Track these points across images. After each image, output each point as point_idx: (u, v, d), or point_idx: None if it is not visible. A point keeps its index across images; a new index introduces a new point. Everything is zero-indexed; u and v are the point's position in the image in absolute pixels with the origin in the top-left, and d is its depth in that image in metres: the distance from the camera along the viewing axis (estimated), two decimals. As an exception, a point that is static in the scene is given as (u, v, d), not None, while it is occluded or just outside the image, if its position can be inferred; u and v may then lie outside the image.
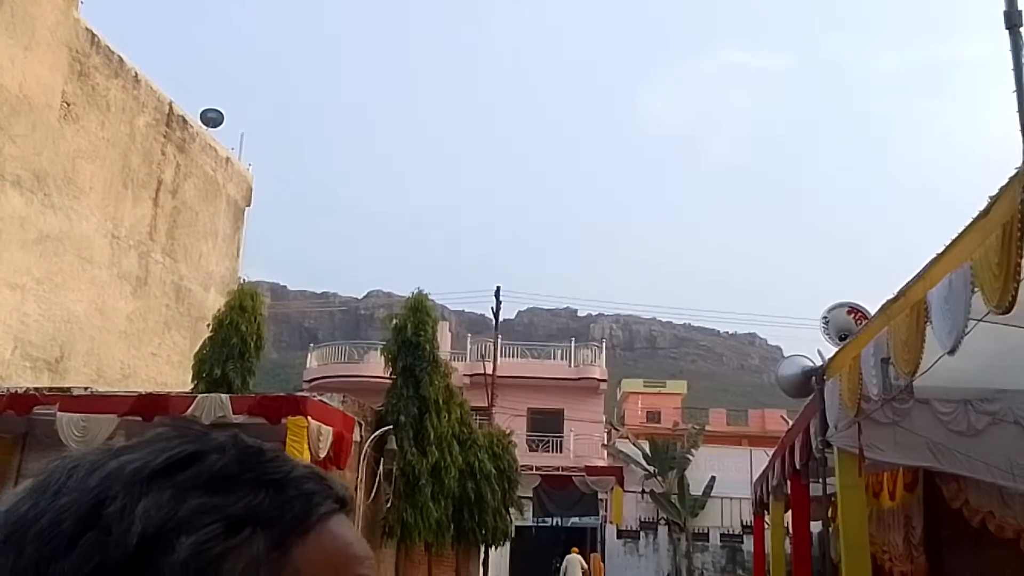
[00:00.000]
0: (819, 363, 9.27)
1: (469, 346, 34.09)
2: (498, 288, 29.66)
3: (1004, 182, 5.10)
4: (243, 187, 21.93)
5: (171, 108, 18.80)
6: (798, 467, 10.98)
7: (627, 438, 28.46)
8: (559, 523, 27.30)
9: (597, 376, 32.57)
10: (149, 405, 11.07)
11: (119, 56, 17.12)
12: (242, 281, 17.75)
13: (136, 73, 17.64)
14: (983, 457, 7.90)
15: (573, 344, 34.93)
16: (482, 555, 19.41)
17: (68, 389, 12.56)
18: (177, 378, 17.29)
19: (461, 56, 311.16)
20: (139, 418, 10.80)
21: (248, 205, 22.18)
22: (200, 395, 11.88)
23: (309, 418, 11.34)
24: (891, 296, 7.05)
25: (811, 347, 9.77)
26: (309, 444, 11.24)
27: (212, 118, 20.75)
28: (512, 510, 19.29)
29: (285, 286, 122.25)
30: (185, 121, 19.37)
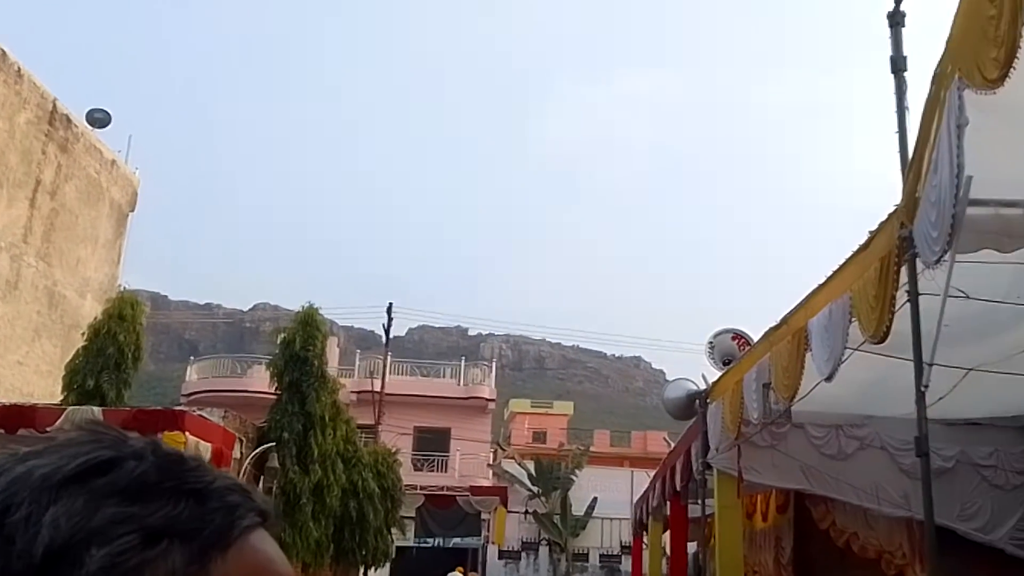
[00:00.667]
0: (703, 387, 9.56)
1: (358, 362, 33.60)
2: (390, 304, 29.43)
3: (883, 218, 5.40)
4: (128, 191, 21.03)
5: (55, 106, 17.89)
6: (678, 488, 11.27)
7: (513, 458, 28.59)
8: (441, 543, 27.09)
9: (486, 395, 32.61)
10: (13, 416, 10.44)
11: (1, 49, 16.21)
12: (122, 289, 16.98)
13: (19, 68, 16.75)
14: (851, 480, 8.28)
15: (463, 363, 34.90)
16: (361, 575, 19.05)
17: (-78, 397, 11.73)
18: (45, 389, 16.37)
19: (358, 66, 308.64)
20: (1, 430, 10.17)
21: (132, 210, 21.27)
22: (70, 407, 11.29)
23: (187, 433, 10.92)
24: (774, 324, 7.34)
25: (694, 371, 10.08)
26: (186, 460, 10.83)
27: (99, 118, 19.84)
28: (394, 530, 19.03)
29: (166, 296, 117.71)
30: (69, 120, 18.46)
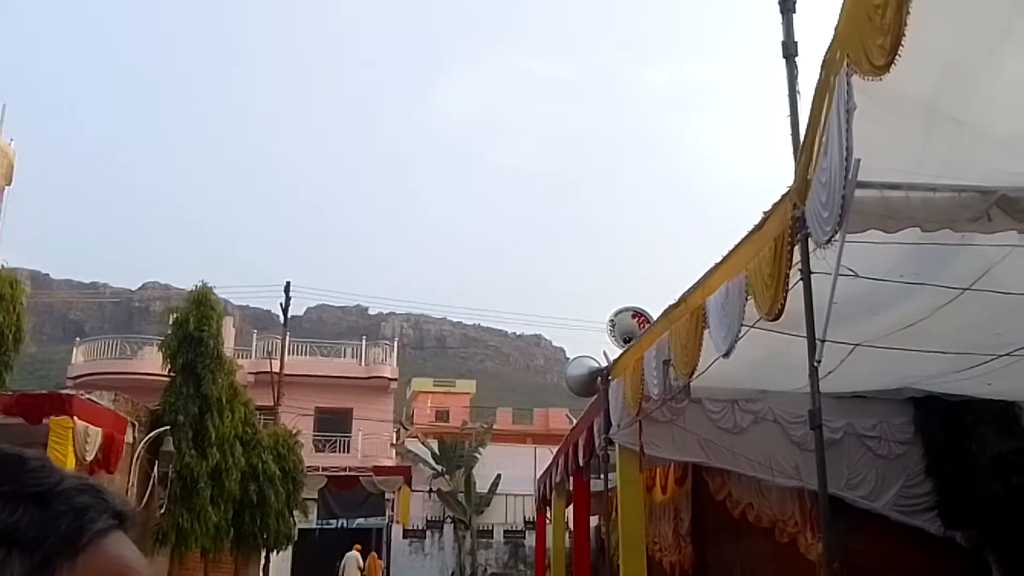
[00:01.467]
0: (604, 364, 9.71)
1: (255, 342, 32.87)
2: (288, 283, 28.78)
3: (777, 199, 5.56)
4: (3, 164, 19.85)
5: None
6: (581, 464, 11.45)
7: (416, 437, 28.55)
8: (345, 524, 26.88)
9: (388, 375, 32.40)
10: None
11: None
12: (0, 267, 16.05)
13: None
14: (746, 452, 8.57)
15: (364, 342, 34.55)
16: (263, 560, 18.76)
17: None
18: (-84, 373, 15.38)
19: (250, 35, 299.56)
20: None
21: (8, 184, 20.09)
22: (-56, 392, 10.67)
23: (75, 418, 10.49)
24: (673, 302, 7.49)
25: (593, 349, 10.25)
26: (75, 446, 10.39)
27: (-33, 85, 18.64)
28: (296, 512, 18.78)
29: (48, 274, 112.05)
30: (-67, 86, 17.29)
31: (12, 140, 20.44)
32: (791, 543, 8.83)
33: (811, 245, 4.98)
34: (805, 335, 5.03)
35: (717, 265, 6.47)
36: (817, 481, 4.91)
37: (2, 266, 16.31)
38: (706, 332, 6.32)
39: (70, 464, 10.35)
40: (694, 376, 6.67)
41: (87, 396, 11.88)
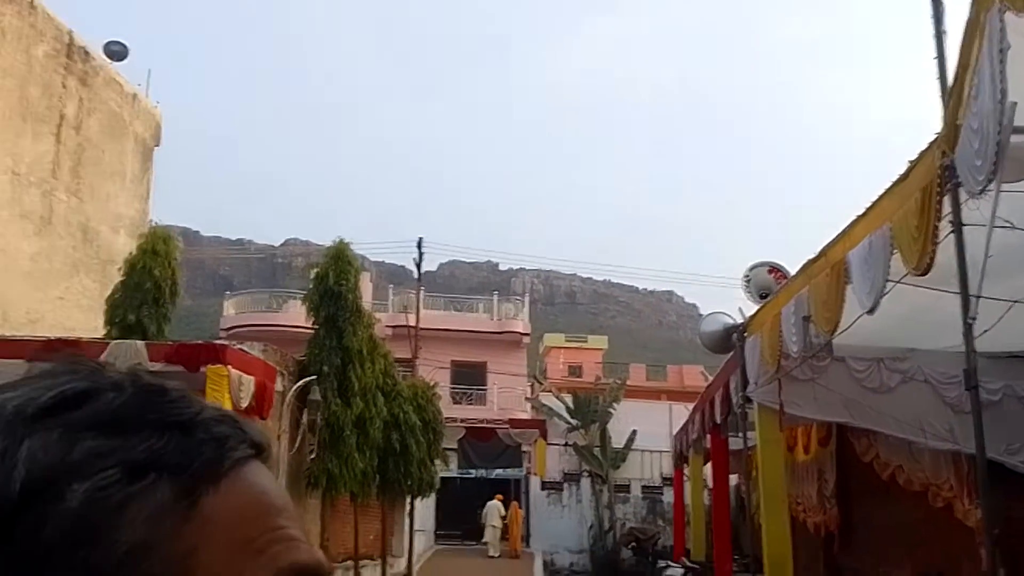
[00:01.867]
0: (740, 320, 9.47)
1: (391, 297, 33.83)
2: (420, 239, 29.40)
3: (923, 147, 5.21)
4: (151, 126, 21.00)
5: (71, 38, 17.78)
6: (718, 421, 11.28)
7: (550, 391, 28.78)
8: (484, 475, 27.58)
9: (520, 330, 32.75)
10: (60, 350, 10.64)
11: (11, -22, 16.08)
12: (153, 224, 17.06)
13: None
14: (894, 413, 8.20)
15: (496, 298, 34.98)
16: (408, 506, 19.48)
17: (-30, 334, 12.00)
18: (87, 323, 16.63)
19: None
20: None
21: (157, 145, 21.25)
22: (114, 341, 11.48)
23: (230, 367, 11.07)
24: (812, 256, 7.20)
25: (726, 305, 10.00)
26: (230, 393, 11.00)
27: (116, 51, 19.66)
28: (437, 461, 19.36)
29: (198, 231, 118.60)
30: (87, 53, 18.34)
31: (158, 103, 21.60)
32: (946, 508, 8.43)
33: (962, 195, 4.66)
34: (957, 291, 4.74)
35: (859, 217, 6.17)
36: (975, 445, 4.64)
37: (156, 224, 17.39)
38: (848, 287, 6.05)
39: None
40: (836, 333, 6.41)
41: (239, 346, 12.54)
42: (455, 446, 24.29)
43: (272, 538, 0.50)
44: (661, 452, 23.49)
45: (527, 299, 37.58)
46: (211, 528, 0.48)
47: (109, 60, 19.37)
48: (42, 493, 0.45)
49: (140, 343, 11.32)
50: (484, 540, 24.46)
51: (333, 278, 14.42)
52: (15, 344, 10.92)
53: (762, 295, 9.99)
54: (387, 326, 26.59)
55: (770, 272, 10.64)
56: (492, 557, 23.73)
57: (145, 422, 0.49)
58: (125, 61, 19.94)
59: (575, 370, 42.06)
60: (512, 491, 26.58)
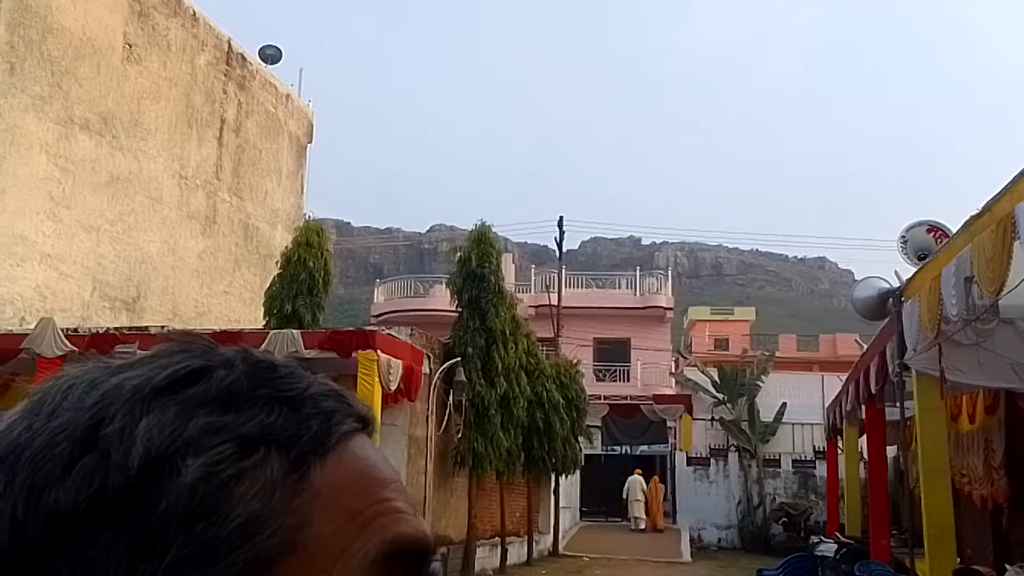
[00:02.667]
0: (896, 285, 8.99)
1: (533, 277, 34.09)
2: (561, 218, 29.43)
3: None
4: (304, 123, 21.99)
5: (230, 46, 18.82)
6: (873, 391, 10.77)
7: (695, 366, 28.30)
8: (628, 451, 27.49)
9: (663, 304, 32.34)
10: (224, 341, 11.06)
11: (176, -6, 17.13)
12: (307, 218, 17.91)
13: (194, 11, 17.66)
14: (1071, 378, 7.59)
15: (638, 273, 34.66)
16: (553, 483, 19.69)
17: (146, 328, 12.94)
18: (249, 315, 17.66)
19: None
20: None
21: (310, 142, 22.26)
22: (272, 331, 12.11)
23: (379, 352, 11.48)
24: (975, 212, 6.73)
25: (883, 270, 9.50)
26: (380, 377, 11.41)
27: (270, 55, 20.72)
28: (581, 439, 19.46)
29: (349, 222, 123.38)
30: (244, 59, 19.38)
31: (310, 101, 22.55)
32: None
33: None
34: None
35: (1029, 167, 5.71)
36: None
37: (310, 217, 18.24)
38: (1016, 244, 5.62)
39: (377, 393, 11.43)
40: (1002, 294, 5.98)
41: (387, 332, 12.97)
42: (599, 423, 24.31)
43: (379, 510, 0.51)
44: (813, 425, 22.69)
45: (670, 273, 37.05)
46: (320, 501, 0.49)
47: (264, 63, 20.39)
48: (159, 469, 0.46)
49: (296, 332, 11.90)
50: (630, 515, 24.68)
51: (475, 261, 14.66)
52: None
53: (920, 257, 9.43)
54: (530, 306, 26.87)
55: (929, 231, 10.02)
56: (640, 531, 23.88)
57: (256, 398, 0.50)
58: (279, 63, 20.97)
59: (721, 343, 41.22)
60: (657, 467, 26.46)
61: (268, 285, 14.34)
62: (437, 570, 0.53)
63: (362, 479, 0.52)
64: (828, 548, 15.84)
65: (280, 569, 0.46)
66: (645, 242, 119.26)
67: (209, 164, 18.01)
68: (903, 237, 10.04)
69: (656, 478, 24.96)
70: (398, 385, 12.19)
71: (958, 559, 7.52)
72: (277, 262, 14.48)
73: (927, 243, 9.72)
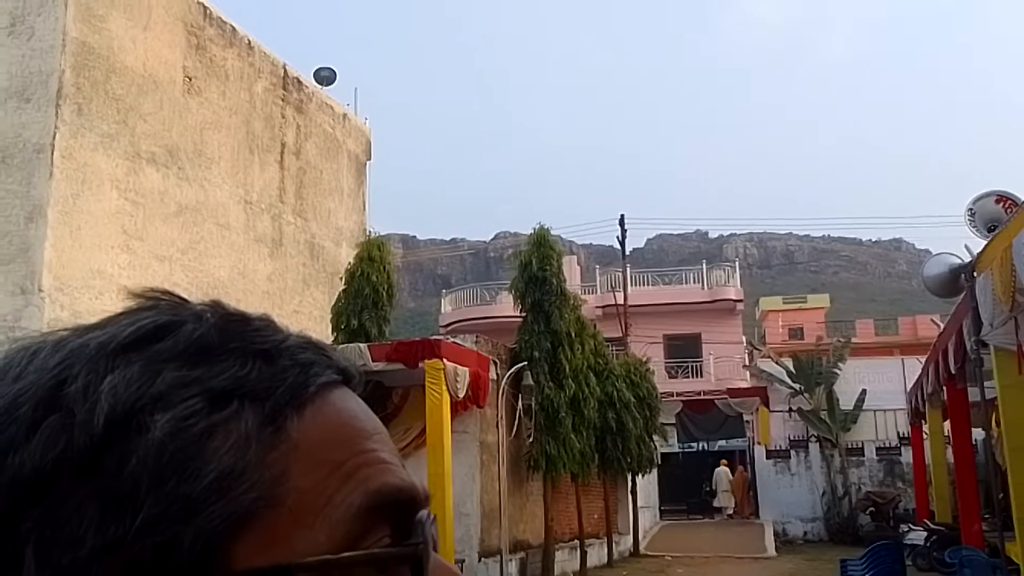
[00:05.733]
0: (967, 259, 8.71)
1: (598, 278, 33.95)
2: (622, 216, 29.27)
3: None
4: (362, 141, 22.33)
5: (285, 71, 19.24)
6: (953, 371, 10.44)
7: (769, 357, 27.76)
8: (705, 447, 27.14)
9: (732, 297, 31.87)
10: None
11: (231, 25, 17.56)
12: (370, 233, 18.15)
13: (249, 40, 18.11)
14: None
15: (705, 266, 34.23)
16: (629, 483, 19.55)
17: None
18: (319, 332, 17.92)
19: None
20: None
21: (369, 159, 22.59)
22: (340, 346, 12.30)
23: (444, 360, 11.57)
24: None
25: (960, 247, 9.18)
26: (447, 385, 11.51)
27: (325, 76, 21.12)
28: (656, 437, 19.27)
29: (415, 236, 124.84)
30: (300, 82, 19.79)
31: (367, 119, 22.89)
32: None
33: None
34: None
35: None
36: None
37: (371, 232, 18.47)
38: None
39: (446, 401, 11.52)
40: (1077, 260, 5.74)
41: (452, 340, 13.07)
42: (673, 421, 24.08)
43: (362, 461, 0.49)
44: (896, 411, 22.05)
45: (738, 264, 36.47)
46: (299, 453, 0.47)
47: (319, 85, 20.81)
48: (126, 426, 0.45)
49: (363, 345, 12.08)
50: (719, 505, 25.12)
51: (536, 264, 14.65)
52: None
53: (990, 228, 9.10)
54: (596, 307, 26.77)
55: (997, 201, 9.66)
56: (729, 517, 24.46)
57: (228, 351, 0.49)
58: (334, 84, 21.36)
59: (796, 332, 40.39)
60: (737, 462, 26.18)
61: (335, 301, 14.58)
62: (424, 518, 0.51)
63: (344, 430, 0.50)
64: (918, 536, 15.38)
65: (259, 524, 0.45)
66: (712, 235, 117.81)
67: (272, 188, 18.42)
68: (970, 209, 9.71)
69: (741, 467, 24.76)
70: (466, 392, 12.26)
71: (1053, 540, 7.22)
72: (341, 278, 14.72)
73: (996, 213, 9.38)
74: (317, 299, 19.33)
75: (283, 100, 18.97)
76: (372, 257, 14.10)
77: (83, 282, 13.81)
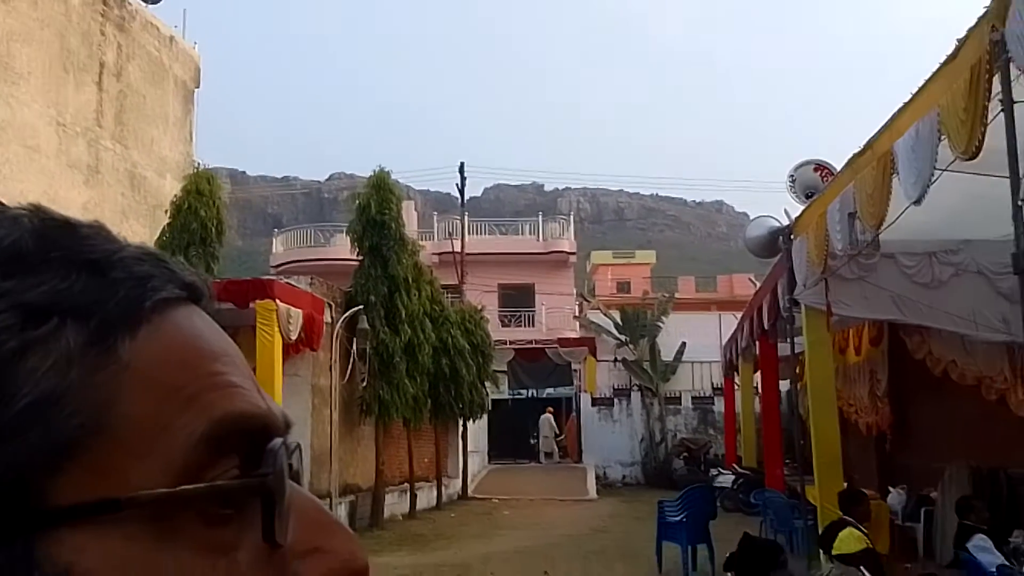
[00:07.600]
0: (786, 223, 9.27)
1: (436, 224, 33.87)
2: (462, 164, 29.19)
3: (972, 23, 4.93)
4: (190, 67, 21.01)
5: (107, -16, 17.74)
6: (766, 327, 11.17)
7: (598, 309, 28.77)
8: (535, 395, 27.89)
9: (566, 249, 32.64)
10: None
11: (43, -71, 15.98)
12: (198, 166, 17.19)
13: (64, -52, 16.54)
14: (946, 307, 8.02)
15: (541, 219, 34.81)
16: (460, 428, 19.84)
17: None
18: (141, 268, 16.96)
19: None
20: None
21: (197, 86, 21.29)
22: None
23: (277, 301, 11.25)
24: (857, 150, 6.96)
25: (779, 211, 9.76)
26: (280, 327, 11.20)
27: (151, -6, 19.62)
28: (488, 384, 19.61)
29: (244, 172, 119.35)
30: (123, -1, 18.31)
31: (196, 43, 21.53)
32: (1000, 401, 8.31)
33: (1013, 71, 4.42)
34: (1007, 175, 4.54)
35: (906, 104, 5.92)
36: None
37: (200, 165, 17.53)
38: (895, 179, 5.84)
39: (277, 343, 11.21)
40: (882, 228, 6.23)
41: (286, 281, 12.70)
42: (505, 368, 24.58)
43: (207, 384, 0.44)
44: (711, 363, 23.46)
45: (572, 218, 37.30)
46: (131, 375, 0.42)
47: (144, 3, 19.32)
48: None
49: (189, 282, 11.51)
50: (540, 451, 25.85)
51: (375, 208, 14.43)
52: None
53: (808, 195, 9.74)
54: (433, 253, 26.70)
55: (816, 170, 10.34)
56: (550, 460, 25.37)
57: (48, 260, 0.43)
58: (159, 3, 19.87)
59: (623, 286, 41.90)
60: (564, 409, 27.00)
61: (158, 235, 13.80)
62: (278, 447, 0.45)
63: (186, 351, 0.45)
64: (726, 479, 16.55)
65: (84, 454, 0.40)
66: (548, 188, 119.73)
67: (89, 110, 17.05)
68: (791, 176, 10.34)
69: (573, 416, 25.64)
70: (299, 335, 11.99)
71: (845, 483, 7.92)
72: (166, 212, 13.93)
73: (814, 181, 10.04)
74: (137, 232, 18.19)
75: (103, 16, 17.51)
76: (200, 191, 13.40)
77: None
